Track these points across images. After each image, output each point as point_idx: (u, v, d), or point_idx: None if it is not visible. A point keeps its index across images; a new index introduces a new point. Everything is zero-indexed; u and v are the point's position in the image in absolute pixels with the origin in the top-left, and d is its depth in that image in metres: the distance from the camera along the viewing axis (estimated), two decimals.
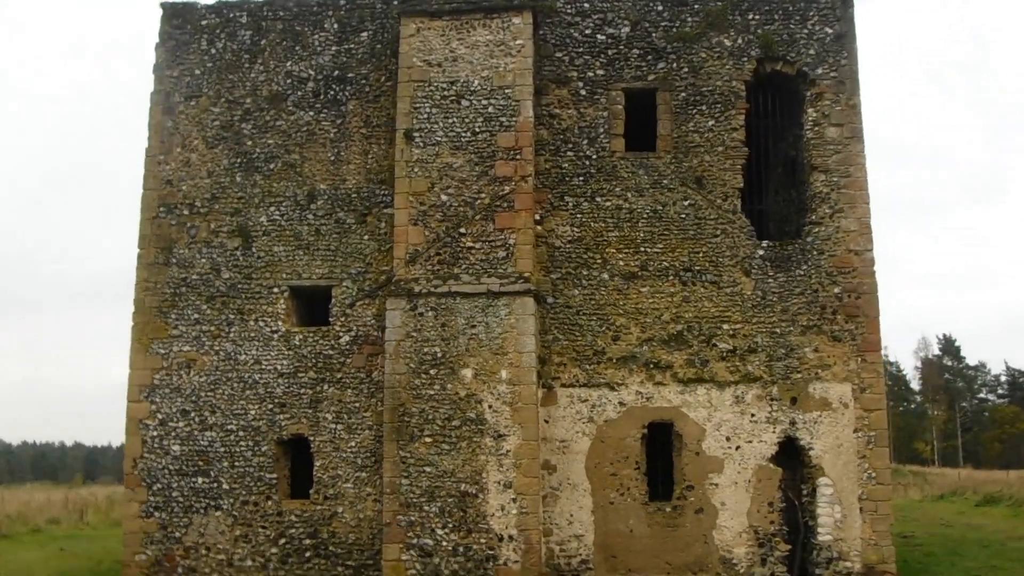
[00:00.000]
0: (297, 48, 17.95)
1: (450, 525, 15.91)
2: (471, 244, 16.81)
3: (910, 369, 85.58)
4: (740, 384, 16.97)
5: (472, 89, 17.18)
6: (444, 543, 15.88)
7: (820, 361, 16.94)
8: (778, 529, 16.65)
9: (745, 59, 17.71)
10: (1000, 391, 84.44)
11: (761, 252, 17.26)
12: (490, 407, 16.17)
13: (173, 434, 16.93)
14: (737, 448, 16.83)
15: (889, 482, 16.91)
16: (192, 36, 18.05)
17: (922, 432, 75.82)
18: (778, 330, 17.05)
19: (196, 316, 17.26)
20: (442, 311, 16.49)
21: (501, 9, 17.36)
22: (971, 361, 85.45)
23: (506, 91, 17.17)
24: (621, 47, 17.88)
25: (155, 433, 16.93)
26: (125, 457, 16.95)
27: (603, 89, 17.79)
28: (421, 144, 17.07)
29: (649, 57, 17.82)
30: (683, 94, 17.65)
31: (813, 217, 17.38)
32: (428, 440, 16.15)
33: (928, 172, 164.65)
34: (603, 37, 17.91)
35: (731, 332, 17.08)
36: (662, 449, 17.34)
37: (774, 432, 16.84)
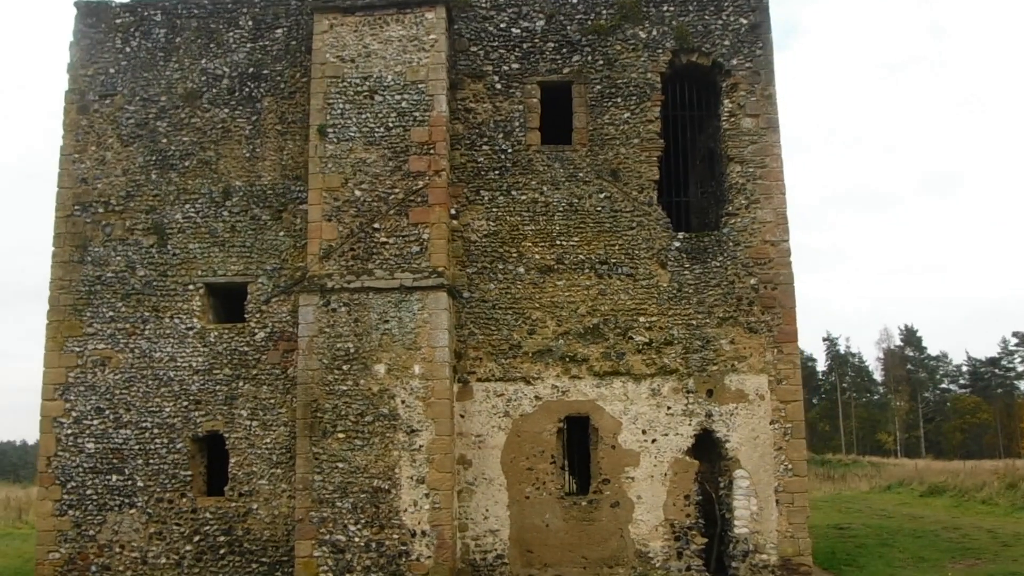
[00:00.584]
0: (212, 46, 17.52)
1: (363, 521, 15.48)
2: (385, 239, 16.38)
3: (872, 360, 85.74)
4: (656, 377, 16.58)
5: (385, 84, 16.76)
6: (357, 539, 15.46)
7: (736, 353, 16.57)
8: (694, 522, 16.27)
9: (660, 51, 17.32)
10: (962, 381, 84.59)
11: (677, 244, 16.86)
12: (403, 402, 15.76)
13: (87, 432, 16.47)
14: (653, 441, 16.42)
15: (805, 474, 16.47)
16: (106, 35, 17.59)
17: (885, 423, 75.72)
18: (694, 322, 16.66)
19: (111, 314, 16.82)
20: (355, 306, 16.07)
21: (414, 4, 16.91)
22: (933, 352, 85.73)
23: (419, 86, 16.76)
24: (536, 40, 17.47)
25: (69, 431, 16.47)
26: (39, 456, 16.55)
27: (518, 83, 17.38)
28: (335, 140, 16.65)
29: (564, 50, 17.43)
30: (598, 87, 17.27)
31: (730, 208, 16.99)
32: (341, 436, 15.73)
33: (886, 164, 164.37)
34: (518, 31, 17.50)
35: (647, 325, 16.69)
36: (580, 443, 17.03)
37: (690, 425, 16.45)
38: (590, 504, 16.34)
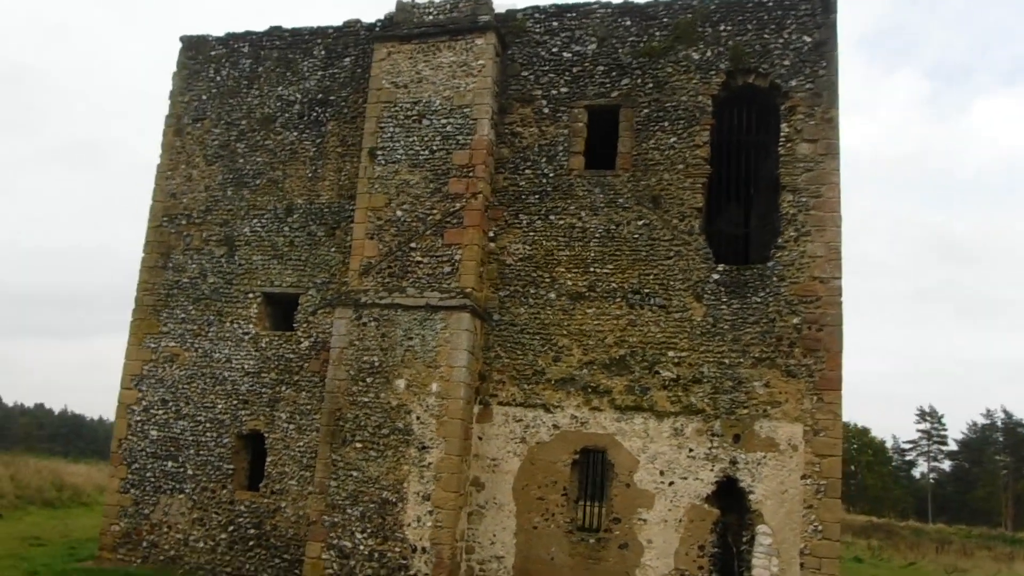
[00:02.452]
0: (288, 74, 19.35)
1: (369, 530, 16.34)
2: (420, 259, 17.28)
3: None
4: (680, 416, 16.07)
5: (433, 109, 17.69)
6: (361, 547, 16.32)
7: (770, 397, 15.65)
8: (708, 575, 15.72)
9: (713, 72, 16.88)
10: None
11: (716, 276, 16.28)
12: (418, 418, 16.50)
13: (153, 420, 18.63)
14: (671, 484, 15.91)
15: (838, 538, 15.24)
16: (203, 65, 19.96)
17: None
18: (727, 360, 15.97)
19: (183, 316, 18.97)
20: (383, 322, 17.06)
21: (465, 31, 17.79)
22: None
23: (464, 110, 17.56)
24: (586, 64, 17.66)
25: (138, 418, 18.72)
26: (113, 438, 19.02)
27: (566, 107, 17.61)
28: (383, 162, 17.84)
29: (614, 73, 17.46)
30: (646, 110, 17.11)
31: (779, 241, 16.38)
32: (359, 445, 16.74)
33: None
34: (569, 55, 17.79)
35: (676, 360, 16.25)
36: (597, 478, 16.95)
37: (712, 470, 15.75)
38: (598, 542, 16.05)
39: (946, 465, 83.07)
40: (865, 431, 76.56)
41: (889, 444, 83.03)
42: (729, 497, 15.73)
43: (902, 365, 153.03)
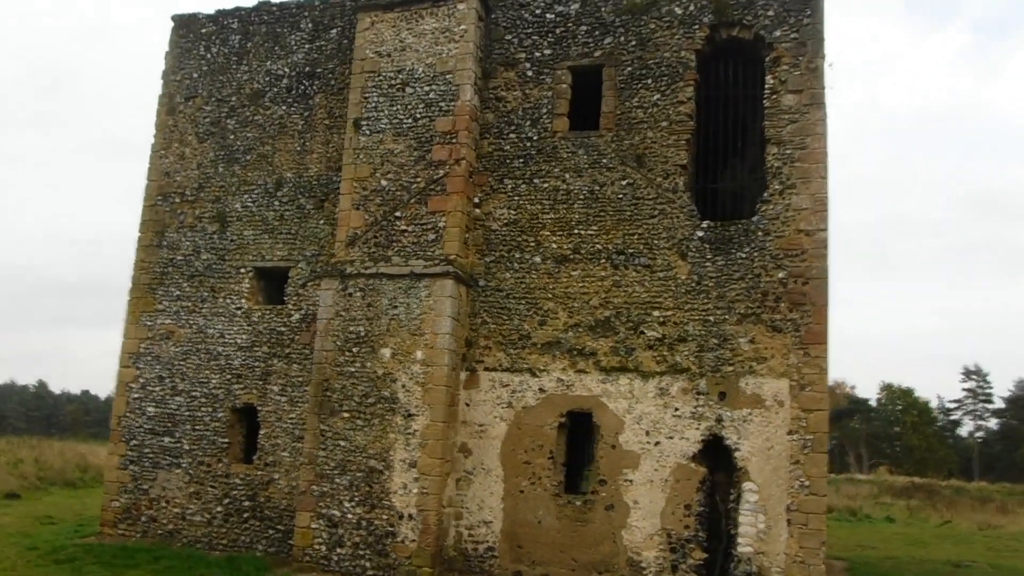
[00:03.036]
0: (276, 48, 19.61)
1: (356, 499, 16.53)
2: (405, 227, 17.44)
3: None
4: (666, 375, 16.01)
5: (416, 76, 17.83)
6: (350, 516, 16.53)
7: (755, 353, 15.53)
8: (694, 535, 15.43)
9: (696, 27, 16.76)
10: None
11: (700, 234, 16.18)
12: (403, 387, 16.64)
13: (150, 397, 19.02)
14: (656, 444, 15.89)
15: (825, 493, 15.02)
16: (194, 43, 20.30)
17: None
18: (712, 318, 15.90)
19: (178, 293, 19.34)
20: (369, 291, 17.26)
21: None
22: None
23: (447, 76, 17.65)
24: (569, 24, 17.64)
25: (136, 395, 19.13)
26: (112, 415, 19.57)
27: (549, 69, 17.64)
28: (367, 132, 18.03)
29: (596, 32, 17.44)
30: (629, 68, 17.07)
31: (765, 195, 16.28)
32: (346, 415, 16.95)
33: None
34: (552, 16, 17.78)
35: (661, 319, 16.20)
36: (583, 441, 17.01)
37: (698, 429, 15.68)
38: (584, 504, 16.08)
39: (993, 423, 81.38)
40: (909, 391, 75.10)
41: (934, 404, 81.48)
42: (716, 456, 15.66)
43: (946, 324, 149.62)
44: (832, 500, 39.82)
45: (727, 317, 15.76)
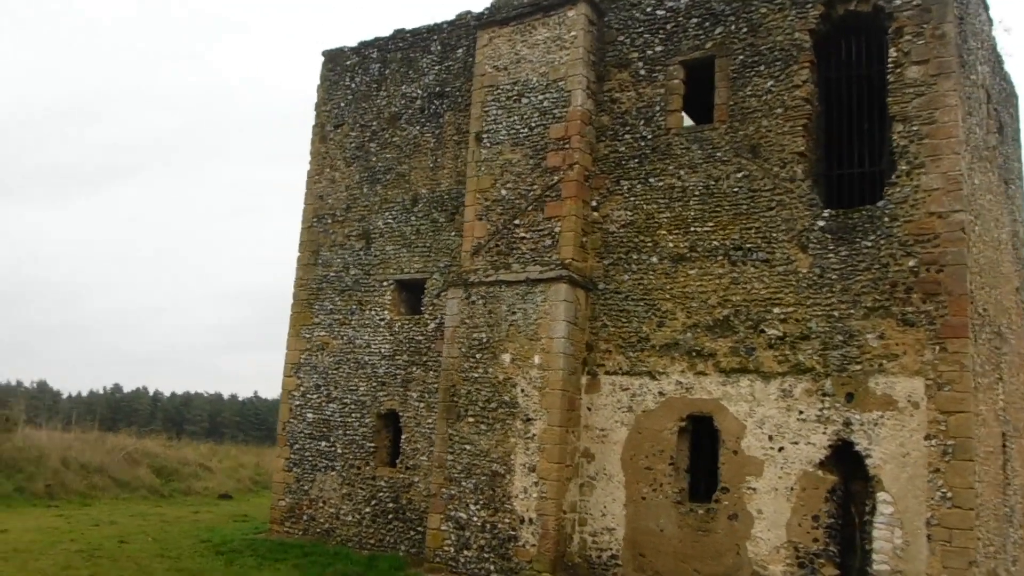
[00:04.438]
0: (410, 72, 19.90)
1: (481, 502, 16.22)
2: (523, 235, 16.99)
3: None
4: (788, 376, 14.41)
5: (531, 86, 17.36)
6: (475, 519, 16.23)
7: (886, 350, 13.62)
8: (823, 549, 13.70)
9: (810, 5, 15.06)
10: None
11: (822, 224, 14.46)
12: (522, 391, 16.15)
13: (309, 404, 19.80)
14: (780, 449, 14.32)
15: (972, 506, 12.78)
16: (340, 75, 21.05)
17: None
18: (836, 313, 14.13)
19: (330, 307, 20.04)
20: (490, 299, 16.92)
21: (557, 5, 17.27)
22: None
23: (559, 83, 17.05)
24: (680, 18, 16.47)
25: (298, 403, 19.99)
26: (279, 421, 20.43)
27: (661, 66, 16.56)
28: (488, 144, 17.80)
29: (707, 24, 16.14)
30: (741, 57, 15.64)
31: (892, 178, 14.28)
32: (471, 420, 16.71)
33: None
34: (663, 12, 16.68)
35: (782, 316, 14.61)
36: (705, 446, 15.57)
37: (824, 433, 13.97)
38: (707, 513, 14.78)
39: None
40: None
41: None
42: (850, 463, 13.91)
43: None
44: None
45: (853, 312, 14.00)
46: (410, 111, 19.74)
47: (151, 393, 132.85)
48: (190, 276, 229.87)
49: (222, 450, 44.14)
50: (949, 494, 12.84)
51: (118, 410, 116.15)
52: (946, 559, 12.72)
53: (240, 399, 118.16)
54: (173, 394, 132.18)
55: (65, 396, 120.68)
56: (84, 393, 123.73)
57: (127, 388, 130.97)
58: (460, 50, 19.22)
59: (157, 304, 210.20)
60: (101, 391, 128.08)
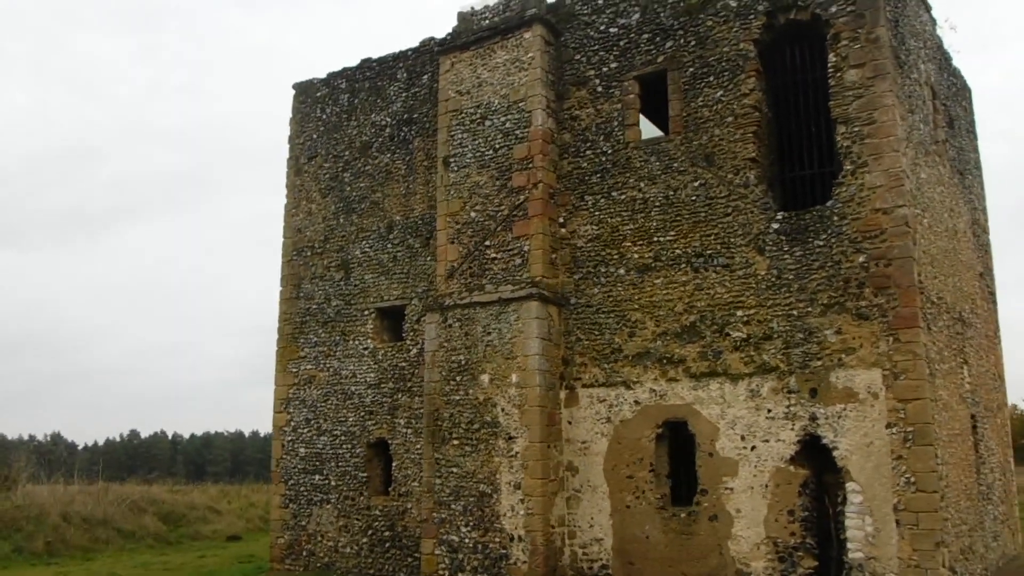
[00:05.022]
0: (378, 100, 21.79)
1: (471, 523, 17.89)
2: (494, 255, 18.77)
3: None
4: (755, 376, 16.10)
5: (493, 109, 19.19)
6: (467, 540, 17.91)
7: (843, 344, 15.30)
8: (801, 542, 15.36)
9: (752, 16, 16.85)
10: None
11: (776, 226, 16.17)
12: (503, 410, 17.86)
13: (300, 439, 21.61)
14: (752, 448, 15.99)
15: (935, 489, 14.39)
16: (311, 107, 22.97)
17: None
18: (795, 312, 15.81)
19: (315, 339, 21.87)
20: (465, 321, 18.68)
21: (515, 27, 19.10)
22: None
23: (520, 104, 18.85)
24: (632, 35, 18.26)
25: (289, 438, 21.81)
26: (272, 458, 22.24)
27: (617, 81, 18.36)
28: (455, 168, 19.59)
29: (658, 38, 17.91)
30: (691, 69, 17.41)
31: (839, 178, 15.94)
32: (455, 442, 18.42)
33: None
34: (615, 29, 18.48)
35: (745, 319, 16.31)
36: (684, 449, 17.23)
37: (792, 430, 15.64)
38: (689, 516, 16.46)
39: None
40: None
41: None
42: (821, 456, 15.59)
43: None
44: None
45: (810, 309, 15.70)
46: (380, 139, 21.64)
47: (170, 437, 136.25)
48: (204, 314, 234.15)
49: (232, 491, 46.32)
50: (913, 479, 14.48)
51: (136, 457, 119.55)
52: (915, 542, 14.36)
53: (262, 435, 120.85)
54: (193, 436, 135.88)
55: (81, 446, 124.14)
56: (100, 442, 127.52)
57: (145, 433, 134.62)
58: (425, 76, 21.09)
59: (172, 344, 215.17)
60: (118, 439, 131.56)
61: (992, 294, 22.04)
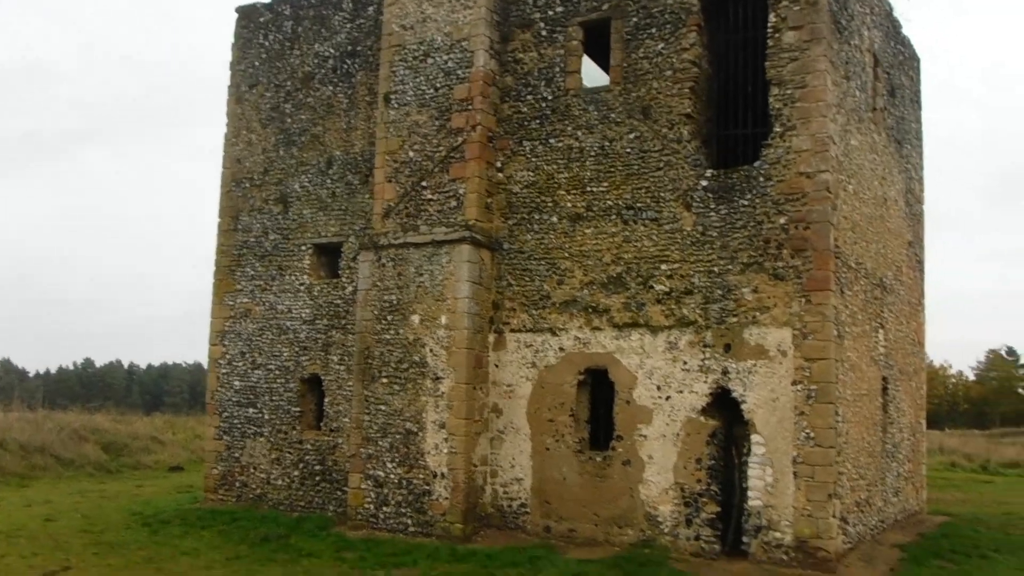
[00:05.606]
0: (323, 30, 23.09)
1: (397, 460, 19.84)
2: (430, 196, 20.37)
3: None
4: (674, 329, 17.99)
5: (436, 47, 20.57)
6: (392, 476, 19.89)
7: (759, 303, 17.16)
8: (706, 489, 17.43)
9: None
10: None
11: (704, 183, 17.87)
12: (431, 351, 19.70)
13: (235, 372, 23.41)
14: (667, 398, 17.94)
15: (833, 445, 16.39)
16: (254, 33, 24.21)
17: None
18: (716, 269, 17.63)
19: (252, 273, 23.50)
20: (399, 261, 20.34)
21: None
22: None
23: (463, 44, 20.27)
24: None
25: (224, 371, 23.60)
26: (207, 390, 24.11)
27: (561, 26, 19.79)
28: (396, 105, 21.04)
29: None
30: (635, 19, 18.88)
31: (768, 139, 17.59)
32: (385, 381, 20.25)
33: None
34: None
35: (668, 273, 18.11)
36: (604, 396, 19.15)
37: (706, 382, 17.58)
38: (604, 460, 18.46)
39: None
40: None
41: None
42: (732, 409, 17.53)
43: None
44: None
45: (731, 267, 17.49)
46: (323, 71, 23.01)
47: (126, 367, 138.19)
48: (169, 244, 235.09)
49: (179, 422, 48.43)
50: (812, 434, 16.48)
51: (90, 386, 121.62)
52: (809, 493, 16.41)
53: None
54: (150, 366, 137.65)
55: (32, 374, 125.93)
56: (53, 370, 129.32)
57: (100, 363, 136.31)
58: (371, 8, 22.37)
59: (134, 275, 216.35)
60: (71, 367, 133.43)
61: (920, 262, 24.04)
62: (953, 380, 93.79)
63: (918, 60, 23.99)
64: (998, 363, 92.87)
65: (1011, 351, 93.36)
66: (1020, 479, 36.33)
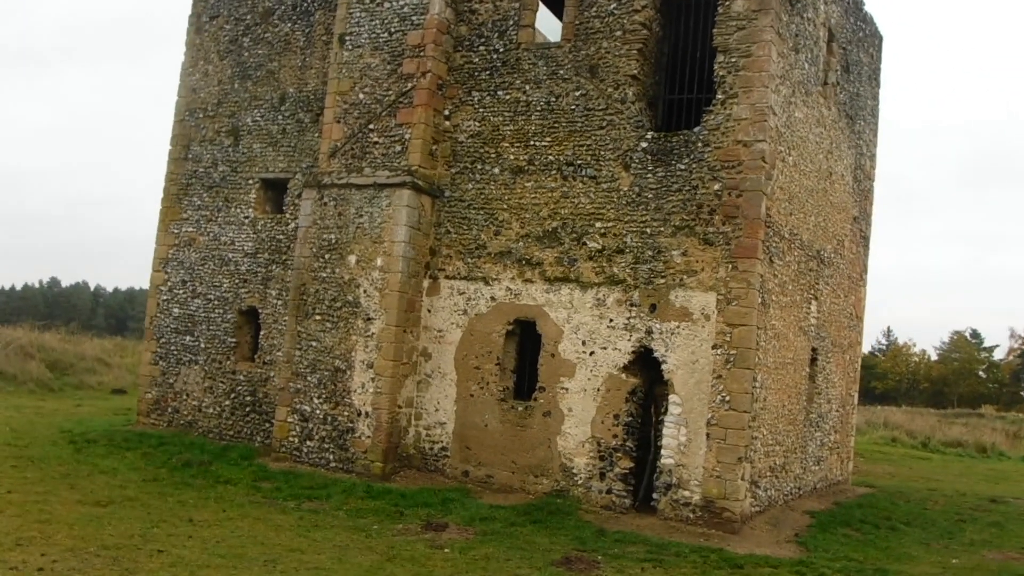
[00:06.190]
0: None
1: (323, 396, 19.16)
2: (376, 139, 19.54)
3: None
4: (603, 287, 17.38)
5: None
6: (318, 411, 19.22)
7: (687, 266, 16.57)
8: (621, 444, 16.94)
9: None
10: None
11: (644, 145, 17.19)
12: (365, 292, 18.97)
13: (175, 299, 22.56)
14: (591, 354, 17.38)
15: (747, 409, 15.89)
16: None
17: None
18: (649, 230, 17.01)
19: (199, 203, 22.62)
20: (340, 201, 19.53)
21: None
22: None
23: None
24: None
25: (165, 298, 22.75)
26: (146, 315, 23.32)
27: None
28: (350, 47, 20.11)
29: None
30: None
31: (709, 106, 16.95)
32: (318, 318, 19.51)
33: None
34: None
35: (602, 231, 17.47)
36: (530, 348, 18.58)
37: (629, 340, 17.02)
38: (525, 410, 17.88)
39: None
40: None
41: None
42: (655, 368, 16.98)
43: None
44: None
45: (663, 229, 16.85)
46: (283, 7, 21.98)
47: (92, 288, 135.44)
48: (143, 168, 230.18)
49: (129, 345, 47.11)
50: (728, 398, 15.95)
51: (55, 306, 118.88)
52: (720, 455, 15.91)
53: None
54: (116, 289, 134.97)
55: None
56: (18, 287, 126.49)
57: (66, 283, 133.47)
58: None
59: (106, 195, 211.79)
60: (36, 285, 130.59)
61: (865, 238, 23.51)
62: (916, 359, 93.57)
63: (880, 38, 23.30)
64: (961, 344, 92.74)
65: (975, 333, 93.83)
66: (958, 458, 36.13)
